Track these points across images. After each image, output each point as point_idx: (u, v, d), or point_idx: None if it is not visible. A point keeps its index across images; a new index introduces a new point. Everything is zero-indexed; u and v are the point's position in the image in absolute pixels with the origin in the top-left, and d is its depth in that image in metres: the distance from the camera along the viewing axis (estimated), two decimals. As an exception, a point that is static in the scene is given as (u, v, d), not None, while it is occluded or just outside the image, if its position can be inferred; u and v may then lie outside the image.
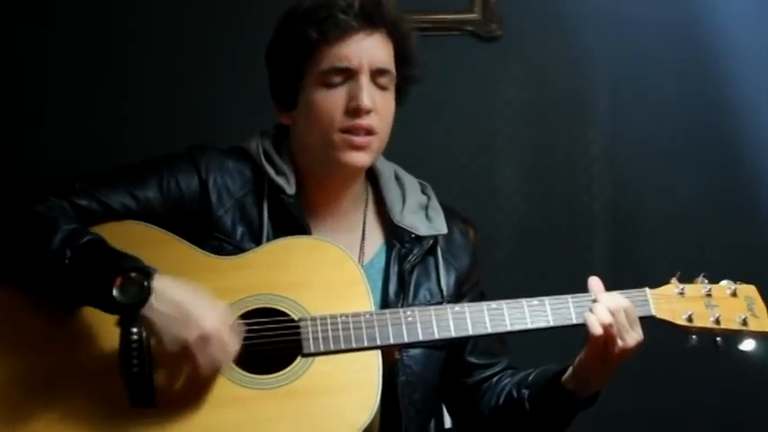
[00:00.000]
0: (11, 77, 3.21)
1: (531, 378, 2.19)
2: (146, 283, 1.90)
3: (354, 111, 2.09)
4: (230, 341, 1.94)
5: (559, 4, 3.30)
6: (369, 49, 2.11)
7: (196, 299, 1.93)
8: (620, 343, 2.03)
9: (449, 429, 2.39)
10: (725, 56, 3.26)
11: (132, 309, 1.90)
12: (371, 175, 2.26)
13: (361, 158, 2.12)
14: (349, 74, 2.10)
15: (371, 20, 2.12)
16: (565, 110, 3.34)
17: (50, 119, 3.23)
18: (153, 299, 1.89)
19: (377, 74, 2.12)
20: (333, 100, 2.10)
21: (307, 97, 2.13)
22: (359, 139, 2.10)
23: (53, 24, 3.23)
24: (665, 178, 3.32)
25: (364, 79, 2.10)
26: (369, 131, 2.11)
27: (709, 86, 3.29)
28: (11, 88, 3.21)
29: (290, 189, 2.15)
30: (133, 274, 1.90)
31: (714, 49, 3.26)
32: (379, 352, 2.02)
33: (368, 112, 2.09)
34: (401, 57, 2.17)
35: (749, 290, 2.13)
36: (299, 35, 2.11)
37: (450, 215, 2.27)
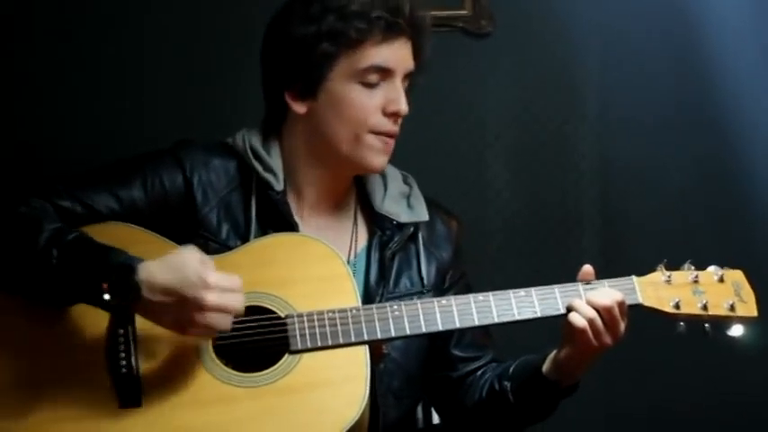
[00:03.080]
0: (14, 78, 3.20)
1: (511, 370, 2.19)
2: (133, 280, 1.87)
3: (393, 115, 2.12)
4: (230, 297, 1.91)
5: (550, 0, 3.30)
6: (407, 55, 2.14)
7: (184, 276, 1.88)
8: (607, 336, 2.03)
9: (437, 425, 2.38)
10: (716, 50, 3.24)
11: (126, 308, 1.90)
12: None
13: (384, 162, 2.17)
14: (386, 74, 2.11)
15: (416, 26, 2.15)
16: (555, 105, 3.33)
17: (48, 118, 3.21)
18: (144, 293, 1.88)
19: (405, 78, 2.15)
20: (369, 99, 2.11)
21: (336, 90, 2.12)
22: (389, 144, 2.15)
23: (50, 23, 3.21)
24: (654, 173, 3.31)
25: (399, 83, 2.12)
26: (394, 136, 2.15)
27: (699, 81, 3.27)
28: (13, 88, 3.20)
29: (278, 185, 2.14)
30: (114, 277, 1.88)
31: (705, 43, 3.24)
32: (366, 347, 2.01)
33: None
34: (418, 64, 2.18)
35: (736, 275, 2.13)
36: (341, 28, 2.09)
37: (432, 207, 2.26)
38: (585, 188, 3.33)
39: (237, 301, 1.92)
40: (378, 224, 2.21)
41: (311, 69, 2.12)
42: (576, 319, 2.03)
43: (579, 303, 2.04)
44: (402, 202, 2.23)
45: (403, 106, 2.12)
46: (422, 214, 2.23)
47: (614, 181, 3.33)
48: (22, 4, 3.13)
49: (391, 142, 2.15)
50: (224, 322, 1.91)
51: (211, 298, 1.88)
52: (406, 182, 2.28)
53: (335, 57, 2.10)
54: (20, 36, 3.12)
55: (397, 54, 2.12)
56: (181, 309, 1.88)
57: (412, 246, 2.23)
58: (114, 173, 2.11)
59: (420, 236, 2.24)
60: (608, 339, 2.03)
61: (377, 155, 2.14)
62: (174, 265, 1.90)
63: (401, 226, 2.21)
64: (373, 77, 2.11)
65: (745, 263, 3.11)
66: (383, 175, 2.26)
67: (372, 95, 2.11)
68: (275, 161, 2.16)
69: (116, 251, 1.92)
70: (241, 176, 2.16)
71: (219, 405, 1.96)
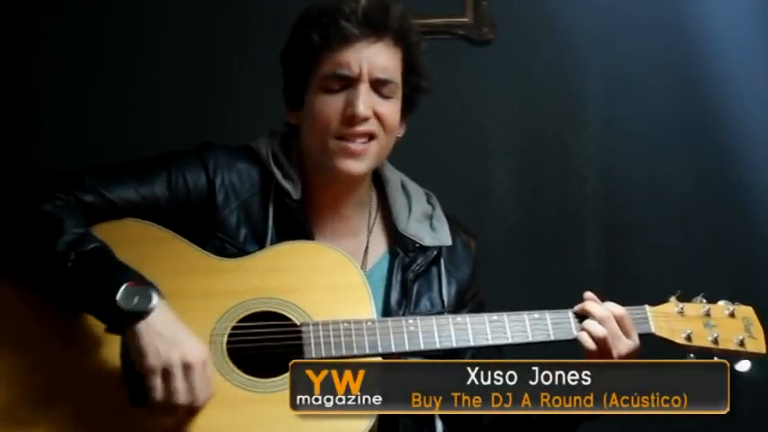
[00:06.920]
0: (20, 76, 3.17)
1: None
2: (153, 294, 1.89)
3: (350, 119, 2.09)
4: (209, 380, 1.93)
5: (551, 7, 3.29)
6: (370, 58, 2.11)
7: (189, 333, 1.92)
8: (613, 352, 2.05)
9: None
10: (716, 58, 3.25)
11: (130, 316, 1.88)
12: (378, 182, 2.26)
13: (356, 166, 2.12)
14: (348, 81, 2.10)
15: (375, 28, 2.11)
16: (556, 113, 3.33)
17: (58, 117, 3.19)
18: (153, 314, 1.89)
19: (378, 83, 2.12)
20: (331, 106, 2.10)
21: (309, 100, 2.14)
22: (354, 146, 2.10)
23: (59, 21, 3.18)
24: (657, 180, 3.32)
25: (363, 87, 2.10)
26: (369, 137, 2.11)
27: (701, 88, 3.28)
28: (19, 86, 3.17)
29: (296, 194, 2.15)
30: (141, 285, 1.90)
31: (705, 51, 3.26)
32: (379, 359, 2.02)
33: (364, 119, 2.09)
34: (408, 66, 2.17)
35: (747, 311, 2.16)
36: (304, 38, 2.12)
37: (453, 225, 2.27)
38: (588, 195, 3.33)
39: (210, 385, 1.93)
40: (400, 244, 2.21)
41: (290, 81, 2.17)
42: (584, 339, 2.05)
43: (595, 305, 2.08)
44: (425, 224, 2.23)
45: (358, 110, 2.08)
46: (444, 239, 2.23)
47: (617, 188, 3.33)
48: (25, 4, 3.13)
49: (359, 146, 2.11)
50: (198, 386, 1.90)
51: (199, 360, 1.90)
52: (429, 201, 2.28)
53: (305, 67, 2.13)
54: (23, 37, 3.10)
55: (354, 59, 2.10)
56: (170, 347, 1.88)
57: (434, 268, 2.22)
58: (139, 169, 2.11)
59: (442, 258, 2.23)
60: (614, 354, 2.05)
61: (342, 160, 2.11)
62: (182, 321, 1.93)
63: (424, 248, 2.21)
64: (335, 85, 2.10)
65: (746, 269, 3.14)
66: (407, 194, 2.26)
67: (334, 101, 2.10)
68: (294, 168, 2.17)
69: (135, 271, 1.93)
70: (262, 182, 2.16)
71: (230, 408, 1.96)
